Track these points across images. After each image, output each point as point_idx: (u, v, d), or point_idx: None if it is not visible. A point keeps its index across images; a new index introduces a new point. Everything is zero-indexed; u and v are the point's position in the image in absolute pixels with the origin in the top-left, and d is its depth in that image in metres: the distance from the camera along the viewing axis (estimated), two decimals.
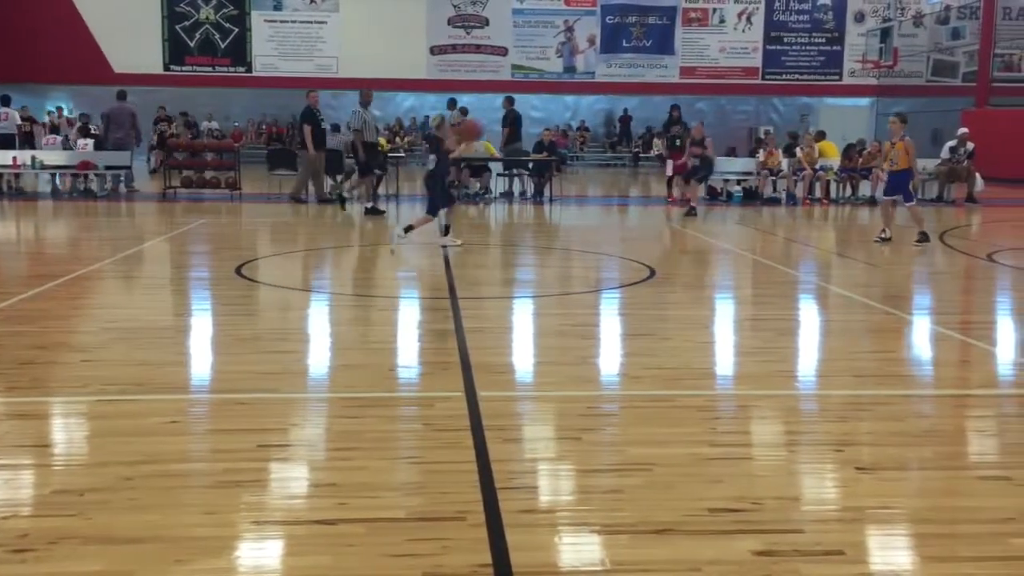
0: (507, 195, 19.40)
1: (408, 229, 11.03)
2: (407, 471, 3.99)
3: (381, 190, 17.42)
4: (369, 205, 15.71)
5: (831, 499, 3.78)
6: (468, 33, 34.66)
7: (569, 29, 34.74)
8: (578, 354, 6.21)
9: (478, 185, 19.05)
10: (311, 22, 34.24)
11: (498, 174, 19.57)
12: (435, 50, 34.63)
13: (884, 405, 5.06)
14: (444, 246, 11.17)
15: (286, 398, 5.06)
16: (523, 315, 7.89)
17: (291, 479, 3.93)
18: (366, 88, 16.36)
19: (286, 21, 34.25)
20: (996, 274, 10.20)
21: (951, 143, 19.66)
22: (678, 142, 18.53)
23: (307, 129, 17.05)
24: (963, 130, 19.75)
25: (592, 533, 3.38)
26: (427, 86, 33.93)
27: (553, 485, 3.92)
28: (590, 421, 4.73)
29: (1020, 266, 10.31)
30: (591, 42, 34.82)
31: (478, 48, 34.67)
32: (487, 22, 34.53)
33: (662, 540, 3.30)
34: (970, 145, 19.22)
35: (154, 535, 3.29)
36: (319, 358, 6.14)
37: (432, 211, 11.38)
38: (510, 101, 19.74)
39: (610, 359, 6.28)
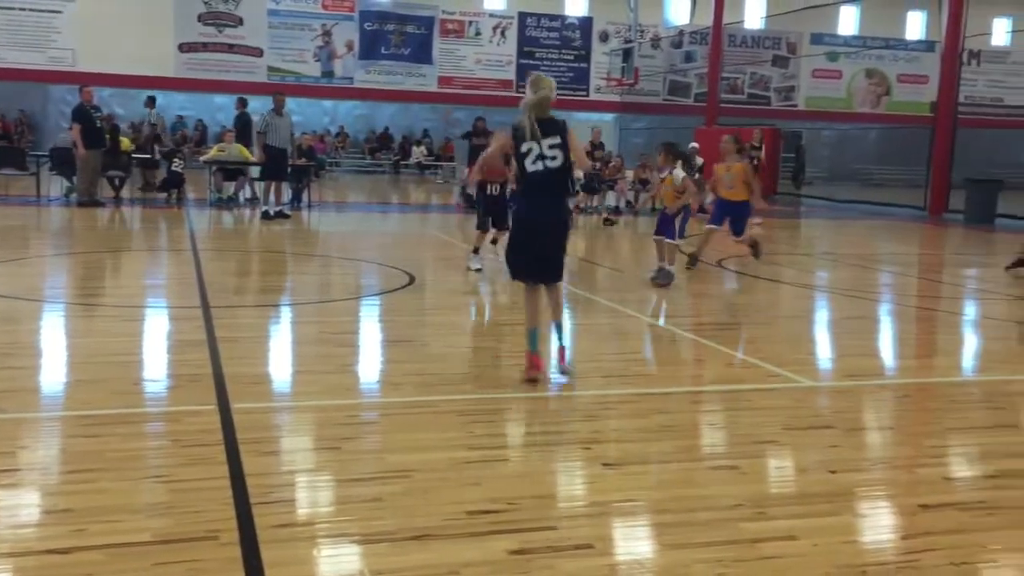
0: (253, 200, 18.73)
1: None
2: (153, 491, 3.76)
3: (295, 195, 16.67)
4: (274, 210, 15.52)
5: (580, 495, 3.96)
6: (220, 32, 33.35)
7: (327, 33, 34.29)
8: (337, 362, 6.13)
9: (232, 190, 18.34)
10: (43, 11, 31.62)
11: (252, 179, 18.93)
12: (184, 48, 33.04)
13: (629, 403, 5.37)
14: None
15: (15, 418, 4.63)
16: (280, 324, 7.68)
17: (20, 506, 3.59)
18: (278, 93, 16.51)
19: (13, 8, 31.43)
20: (725, 279, 11.11)
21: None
22: (477, 152, 19.00)
23: (76, 128, 15.86)
24: (693, 145, 21.33)
25: (351, 543, 3.34)
26: (176, 84, 32.31)
27: (312, 497, 3.85)
28: (350, 430, 4.68)
29: (745, 272, 11.29)
30: (349, 47, 34.57)
31: (231, 48, 33.44)
32: (241, 21, 33.40)
33: (421, 545, 3.32)
34: (700, 160, 20.79)
35: None
36: (53, 374, 5.67)
37: (482, 226, 10.52)
38: (242, 103, 19.45)
39: (370, 366, 6.25)
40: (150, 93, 24.47)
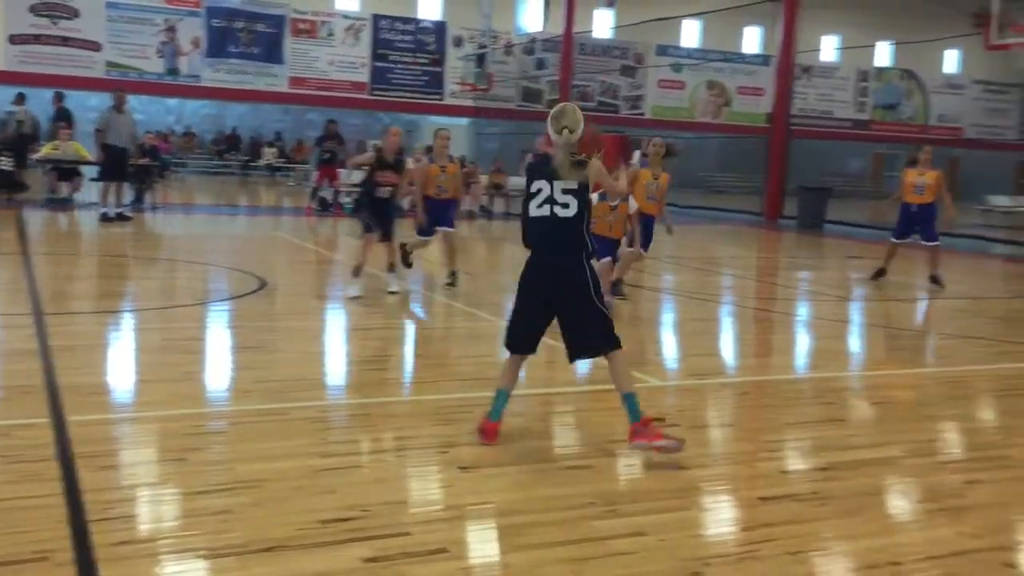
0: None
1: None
2: None
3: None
4: (114, 212, 14.71)
5: (436, 499, 3.96)
6: (55, 24, 31.54)
7: (171, 29, 32.98)
8: (182, 370, 5.90)
9: (67, 190, 17.36)
10: None
11: (91, 179, 18.00)
12: (15, 40, 31.08)
13: (485, 406, 5.39)
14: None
15: None
16: (120, 331, 7.33)
17: None
18: (119, 89, 15.65)
19: None
20: None
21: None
22: (328, 156, 18.76)
23: None
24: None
25: (197, 558, 3.22)
26: (7, 79, 30.31)
27: (155, 511, 3.69)
28: (196, 440, 4.51)
29: None
30: (195, 44, 33.36)
31: (66, 41, 31.69)
32: (77, 13, 31.68)
33: (272, 557, 3.23)
34: None
35: None
36: None
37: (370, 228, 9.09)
38: (59, 97, 18.73)
39: (217, 374, 6.04)
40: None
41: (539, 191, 4.54)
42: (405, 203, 9.40)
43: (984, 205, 26.90)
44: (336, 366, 6.49)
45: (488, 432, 4.61)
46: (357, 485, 3.99)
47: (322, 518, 3.57)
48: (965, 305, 10.71)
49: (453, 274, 9.72)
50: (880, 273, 11.61)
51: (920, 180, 11.32)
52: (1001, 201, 27.89)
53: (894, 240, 11.65)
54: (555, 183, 4.51)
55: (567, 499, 3.93)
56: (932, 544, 3.65)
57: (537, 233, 4.58)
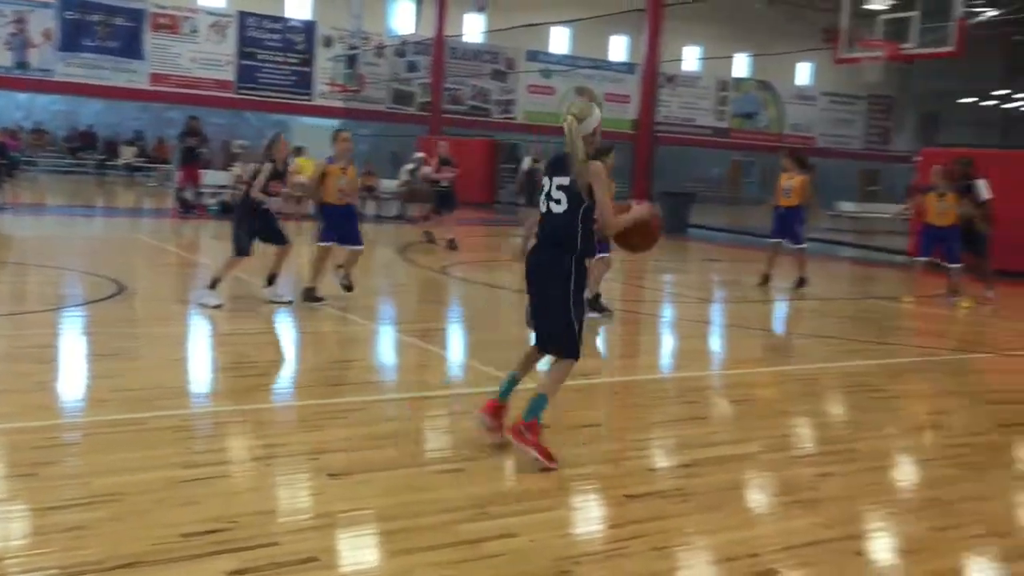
0: None
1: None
2: None
3: None
4: None
5: (305, 508, 3.89)
6: None
7: (20, 20, 31.21)
8: (33, 380, 5.60)
9: None
10: None
11: None
12: None
13: (356, 411, 5.34)
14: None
15: None
16: None
17: None
18: None
19: None
20: (449, 286, 11.36)
21: (409, 166, 21.36)
22: (195, 154, 18.18)
23: None
24: (420, 154, 21.62)
25: None
26: None
27: (2, 530, 3.48)
28: (48, 453, 4.29)
29: (467, 278, 11.61)
30: (47, 37, 31.68)
31: None
32: None
33: (130, 574, 3.11)
34: (427, 169, 21.12)
35: None
36: None
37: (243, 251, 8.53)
38: None
39: (72, 383, 5.76)
40: None
41: (544, 187, 4.58)
42: (279, 202, 8.78)
43: (833, 210, 28.40)
44: (200, 373, 6.29)
45: (486, 407, 4.70)
46: (222, 496, 3.87)
47: (185, 531, 3.46)
48: (816, 306, 11.26)
49: (347, 280, 9.01)
50: (765, 279, 11.97)
51: (787, 184, 11.86)
52: (848, 207, 29.58)
53: (771, 241, 12.14)
54: (553, 179, 4.51)
55: (438, 503, 3.93)
56: (788, 535, 3.82)
57: (538, 227, 4.63)
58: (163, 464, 4.19)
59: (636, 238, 4.82)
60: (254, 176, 8.48)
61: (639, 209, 4.82)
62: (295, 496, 4.03)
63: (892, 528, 4.05)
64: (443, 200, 15.39)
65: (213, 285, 8.28)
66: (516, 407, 4.68)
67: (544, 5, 33.21)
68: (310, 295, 8.66)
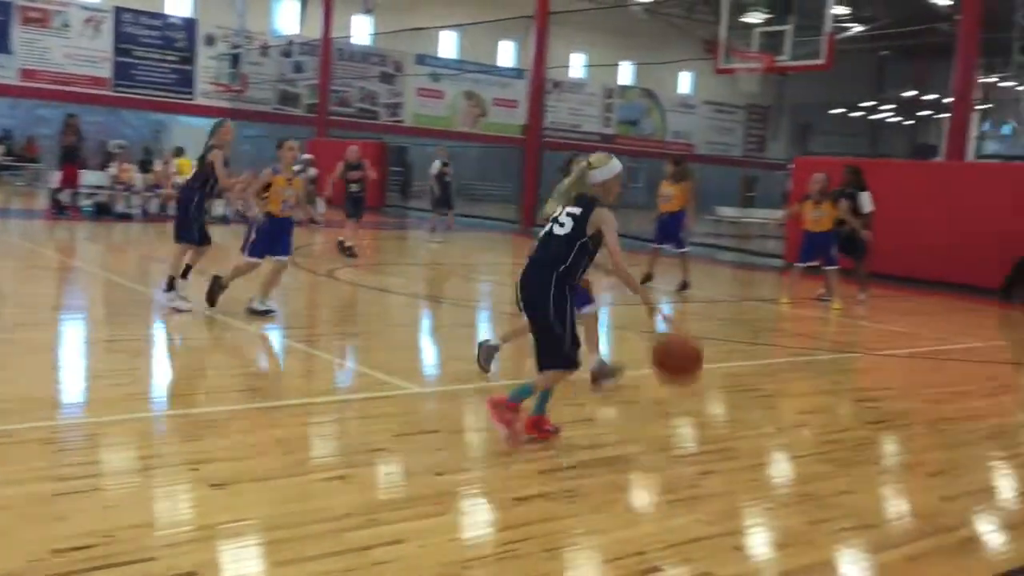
0: None
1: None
2: None
3: None
4: None
5: (185, 520, 3.76)
6: None
7: None
8: None
9: None
10: None
11: None
12: None
13: (239, 419, 5.21)
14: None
15: None
16: None
17: None
18: None
19: None
20: (335, 289, 11.20)
21: (296, 167, 21.02)
22: (75, 154, 17.54)
23: None
24: (307, 156, 21.29)
25: None
26: None
27: None
28: None
29: (355, 281, 11.47)
30: None
31: None
32: None
33: None
34: (313, 171, 20.79)
35: None
36: None
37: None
38: None
39: None
40: None
41: (552, 214, 4.99)
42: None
43: (714, 215, 29.32)
44: (74, 382, 6.02)
45: (527, 426, 5.05)
46: (96, 510, 3.72)
47: (56, 547, 3.30)
48: (698, 308, 11.58)
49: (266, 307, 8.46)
50: (647, 279, 12.23)
51: (667, 191, 12.17)
52: (728, 212, 30.62)
53: (653, 246, 12.46)
54: (567, 207, 4.90)
55: (324, 511, 3.86)
56: (671, 532, 3.92)
57: (532, 248, 5.02)
58: (31, 478, 4.00)
59: (672, 360, 4.89)
60: (205, 179, 8.48)
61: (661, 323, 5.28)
62: (174, 508, 3.90)
63: (769, 523, 4.20)
64: (355, 204, 14.80)
65: (171, 283, 8.30)
66: (525, 408, 5.05)
67: (433, 9, 33.18)
68: (255, 311, 8.36)
